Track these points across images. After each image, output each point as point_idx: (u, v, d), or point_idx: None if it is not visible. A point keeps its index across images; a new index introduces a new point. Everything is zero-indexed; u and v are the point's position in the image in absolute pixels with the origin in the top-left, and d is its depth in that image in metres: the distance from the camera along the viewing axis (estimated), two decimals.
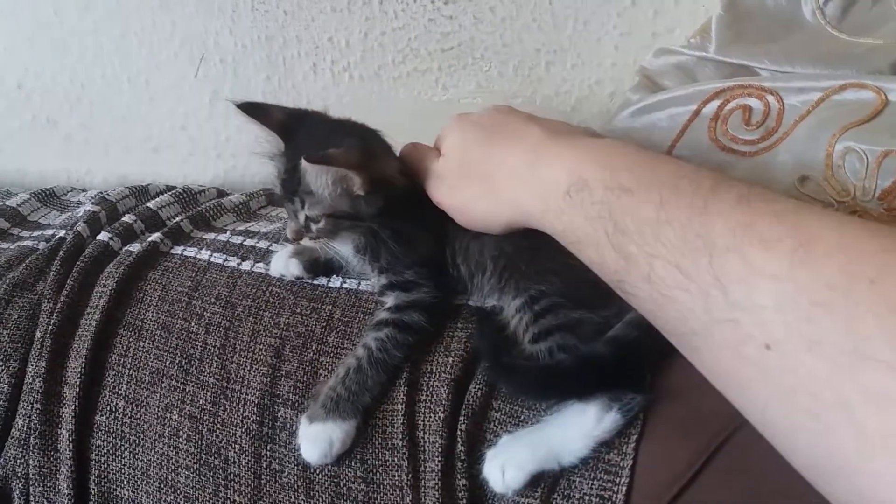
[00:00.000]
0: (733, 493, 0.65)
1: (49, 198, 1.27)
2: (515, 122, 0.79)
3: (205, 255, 0.98)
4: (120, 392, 0.88)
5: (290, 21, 1.36)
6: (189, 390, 0.86)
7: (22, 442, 0.87)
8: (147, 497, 0.85)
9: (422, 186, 0.83)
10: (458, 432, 0.76)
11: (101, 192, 1.20)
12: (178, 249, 1.01)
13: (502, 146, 0.76)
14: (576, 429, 0.71)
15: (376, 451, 0.78)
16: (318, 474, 0.79)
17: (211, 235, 1.05)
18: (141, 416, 0.87)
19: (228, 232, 1.05)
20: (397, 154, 0.87)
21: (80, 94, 1.47)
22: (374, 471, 0.78)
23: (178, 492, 0.83)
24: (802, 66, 0.88)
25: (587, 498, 0.71)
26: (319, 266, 0.92)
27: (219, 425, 0.83)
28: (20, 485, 0.87)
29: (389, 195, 0.81)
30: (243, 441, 0.82)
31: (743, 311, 0.48)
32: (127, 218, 1.07)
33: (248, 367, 0.85)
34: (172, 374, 0.87)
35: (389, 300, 0.84)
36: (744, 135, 0.86)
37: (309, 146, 0.79)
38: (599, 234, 0.61)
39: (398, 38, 1.35)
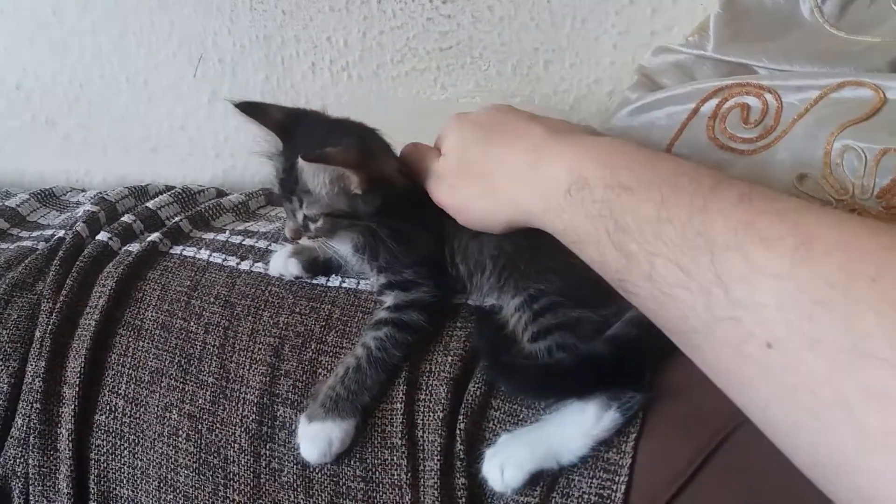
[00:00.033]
0: (733, 491, 0.65)
1: (48, 198, 1.27)
2: (515, 121, 0.79)
3: (204, 254, 0.98)
4: (119, 391, 0.88)
5: (289, 20, 1.36)
6: (188, 390, 0.86)
7: (21, 441, 0.87)
8: (146, 496, 0.85)
9: (421, 186, 0.83)
10: (458, 431, 0.76)
11: (101, 193, 1.20)
12: (177, 249, 1.01)
13: (501, 145, 0.76)
14: (575, 427, 0.71)
15: (375, 450, 0.78)
16: (317, 473, 0.79)
17: (210, 235, 1.05)
18: (140, 415, 0.87)
19: (227, 231, 1.06)
20: (396, 153, 0.87)
21: (78, 95, 1.47)
22: (374, 470, 0.78)
23: (178, 491, 0.83)
24: (801, 64, 0.87)
25: (586, 497, 0.71)
26: (318, 265, 0.92)
27: (218, 424, 0.83)
28: (20, 484, 0.87)
29: (388, 194, 0.81)
30: (242, 440, 0.82)
31: (744, 310, 0.48)
32: (126, 218, 1.07)
33: (248, 367, 0.85)
34: (172, 374, 0.87)
35: (388, 299, 0.84)
36: (742, 133, 0.86)
37: (307, 145, 0.79)
38: (600, 232, 0.61)
39: (396, 37, 1.35)
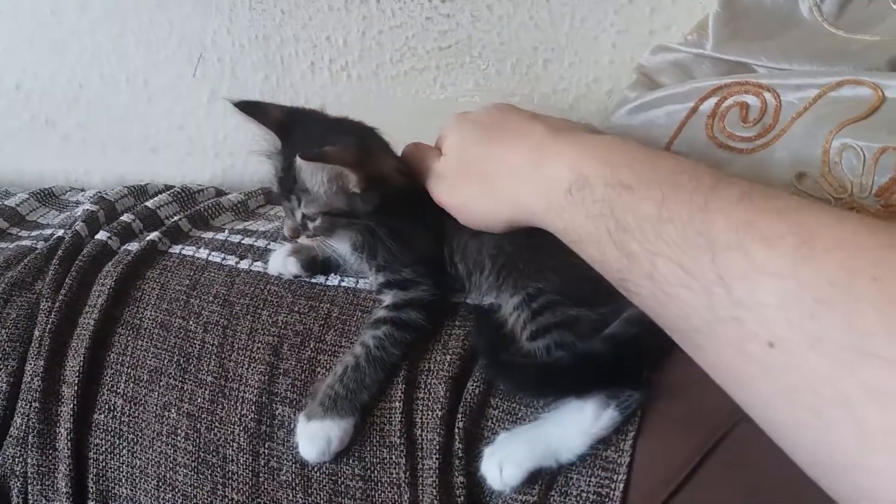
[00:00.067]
0: (731, 488, 0.66)
1: (47, 197, 1.27)
2: (516, 120, 0.79)
3: (203, 253, 0.99)
4: (118, 390, 0.88)
5: (288, 20, 1.36)
6: (187, 388, 0.86)
7: (20, 440, 0.87)
8: (145, 495, 0.85)
9: (420, 185, 0.83)
10: (456, 430, 0.76)
11: (100, 192, 1.20)
12: (176, 248, 1.01)
13: (502, 144, 0.76)
14: (573, 426, 0.71)
15: (374, 448, 0.78)
16: (316, 472, 0.79)
17: (209, 234, 1.05)
18: (139, 414, 0.87)
19: (227, 231, 1.06)
20: (396, 152, 0.87)
21: (77, 95, 1.47)
22: (372, 468, 0.78)
23: (177, 490, 0.83)
24: (799, 62, 0.87)
25: (585, 495, 0.71)
26: (317, 264, 0.92)
27: (217, 423, 0.83)
28: (18, 483, 0.87)
29: (386, 193, 0.81)
30: (241, 439, 0.82)
31: (746, 309, 0.48)
32: (125, 217, 1.07)
33: (247, 366, 0.85)
34: (171, 373, 0.87)
35: (387, 298, 0.84)
36: (741, 132, 0.86)
37: (305, 144, 0.79)
38: (601, 231, 0.61)
39: (396, 36, 1.35)
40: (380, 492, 0.77)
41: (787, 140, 0.82)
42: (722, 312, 0.50)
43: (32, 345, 0.90)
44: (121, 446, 0.86)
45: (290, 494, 0.80)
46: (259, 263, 0.95)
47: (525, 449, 0.72)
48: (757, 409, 0.51)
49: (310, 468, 0.79)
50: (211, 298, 0.91)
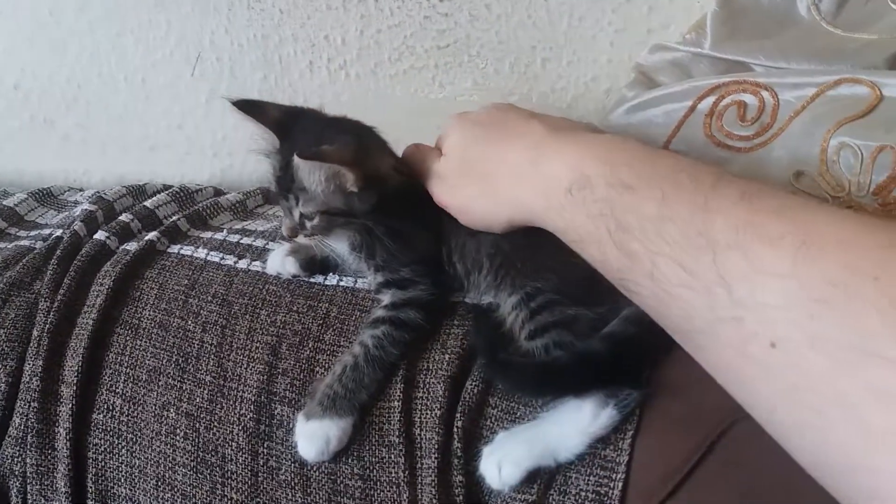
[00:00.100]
0: (730, 487, 0.66)
1: (46, 197, 1.27)
2: (516, 119, 0.79)
3: (201, 253, 0.98)
4: (117, 390, 0.88)
5: (286, 19, 1.36)
6: (186, 388, 0.86)
7: (19, 440, 0.87)
8: (144, 495, 0.85)
9: (418, 184, 0.83)
10: (455, 429, 0.76)
11: (98, 192, 1.20)
12: (174, 248, 1.01)
13: (502, 144, 0.76)
14: (572, 425, 0.71)
15: (373, 448, 0.78)
16: (315, 471, 0.79)
17: (208, 234, 1.05)
18: (138, 414, 0.87)
19: (225, 230, 1.06)
20: (394, 151, 0.87)
21: (76, 94, 1.47)
22: (371, 468, 0.78)
23: (176, 489, 0.84)
24: (797, 61, 0.87)
25: (583, 494, 0.71)
26: (316, 264, 0.92)
27: (216, 423, 0.83)
28: (17, 483, 0.87)
29: (384, 192, 0.81)
30: (240, 439, 0.82)
31: (747, 310, 0.48)
32: (124, 217, 1.07)
33: (245, 365, 0.85)
34: (169, 373, 0.87)
35: (386, 298, 0.84)
36: (739, 131, 0.86)
37: (304, 143, 0.79)
38: (601, 231, 0.61)
39: (394, 35, 1.35)
40: (379, 491, 0.77)
41: (784, 139, 0.82)
42: (723, 313, 0.50)
43: (31, 344, 0.90)
44: (120, 446, 0.86)
45: (289, 494, 0.80)
46: (257, 263, 0.95)
47: (524, 448, 0.72)
48: (759, 409, 0.51)
49: (309, 467, 0.79)
50: (209, 298, 0.91)
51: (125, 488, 0.86)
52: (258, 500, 0.81)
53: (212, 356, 0.86)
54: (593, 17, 1.29)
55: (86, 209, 1.10)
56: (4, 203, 1.19)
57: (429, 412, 0.78)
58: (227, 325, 0.88)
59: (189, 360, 0.87)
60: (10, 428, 0.88)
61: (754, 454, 0.63)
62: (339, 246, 0.86)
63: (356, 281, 0.90)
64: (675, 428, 0.70)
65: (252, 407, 0.83)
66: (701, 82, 0.93)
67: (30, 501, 0.87)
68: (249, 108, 0.83)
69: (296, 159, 0.76)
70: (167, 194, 1.17)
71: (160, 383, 0.87)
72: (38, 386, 0.87)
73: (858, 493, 0.45)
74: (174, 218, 1.09)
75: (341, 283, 0.90)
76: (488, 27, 1.32)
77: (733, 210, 0.52)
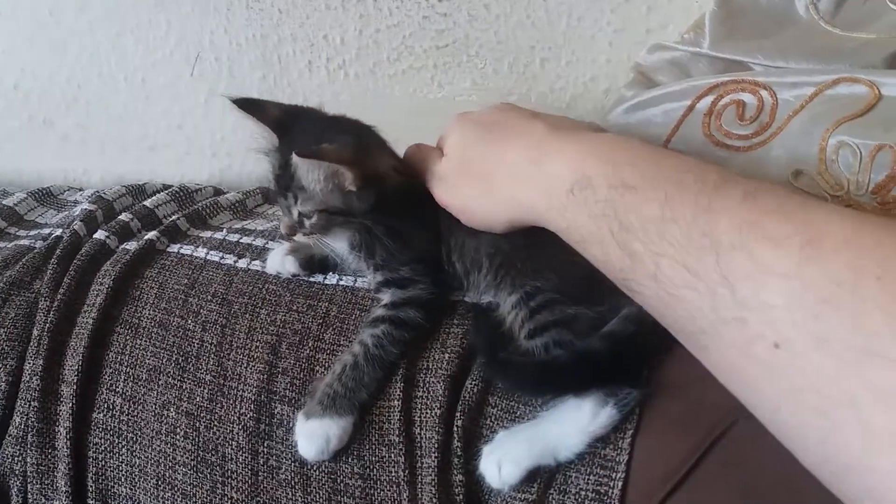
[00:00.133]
0: (729, 486, 0.65)
1: (46, 197, 1.27)
2: (517, 118, 0.79)
3: (201, 252, 0.99)
4: (117, 389, 0.88)
5: (285, 19, 1.36)
6: (186, 387, 0.86)
7: (20, 439, 0.87)
8: (144, 494, 0.85)
9: (417, 183, 0.83)
10: (455, 428, 0.76)
11: (98, 191, 1.21)
12: (174, 247, 1.01)
13: (502, 143, 0.76)
14: (572, 424, 0.71)
15: (373, 447, 0.78)
16: (315, 471, 0.79)
17: (207, 233, 1.05)
18: (138, 413, 0.87)
19: (225, 230, 1.06)
20: (393, 150, 0.87)
21: (76, 94, 1.47)
22: (371, 467, 0.78)
23: (176, 488, 0.84)
24: (796, 60, 0.87)
25: (583, 493, 0.71)
26: (315, 263, 0.92)
27: (216, 422, 0.83)
28: (18, 482, 0.87)
29: (383, 192, 0.81)
30: (240, 438, 0.82)
31: (751, 310, 0.48)
32: (123, 216, 1.08)
33: (245, 365, 0.85)
34: (169, 372, 0.87)
35: (385, 297, 0.84)
36: (738, 130, 0.86)
37: (303, 142, 0.79)
38: (604, 232, 0.61)
39: (393, 35, 1.35)
40: (379, 490, 0.77)
41: (783, 138, 0.82)
42: (727, 313, 0.50)
43: (31, 344, 0.90)
44: (120, 445, 0.86)
45: (290, 493, 0.80)
46: (257, 262, 0.95)
47: (524, 447, 0.72)
48: (762, 409, 0.51)
49: (309, 467, 0.79)
50: (209, 297, 0.91)
51: (125, 487, 0.86)
52: (258, 499, 0.81)
53: (212, 355, 0.86)
54: (592, 17, 1.29)
55: (85, 209, 1.10)
56: (4, 202, 1.19)
57: (429, 411, 0.78)
58: (226, 324, 0.88)
59: (189, 360, 0.87)
60: (11, 427, 0.88)
61: (754, 453, 0.63)
62: (338, 245, 0.86)
63: (356, 280, 0.90)
64: (674, 427, 0.70)
65: (252, 406, 0.83)
66: (699, 82, 0.93)
67: (30, 500, 0.87)
68: (249, 106, 0.83)
69: (294, 157, 0.76)
70: (167, 194, 1.17)
71: (160, 382, 0.87)
72: (38, 385, 0.87)
73: (861, 493, 0.45)
74: (174, 217, 1.09)
75: (341, 283, 0.91)
76: (487, 27, 1.33)
77: (737, 210, 0.52)
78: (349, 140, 0.80)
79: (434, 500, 0.75)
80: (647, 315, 0.61)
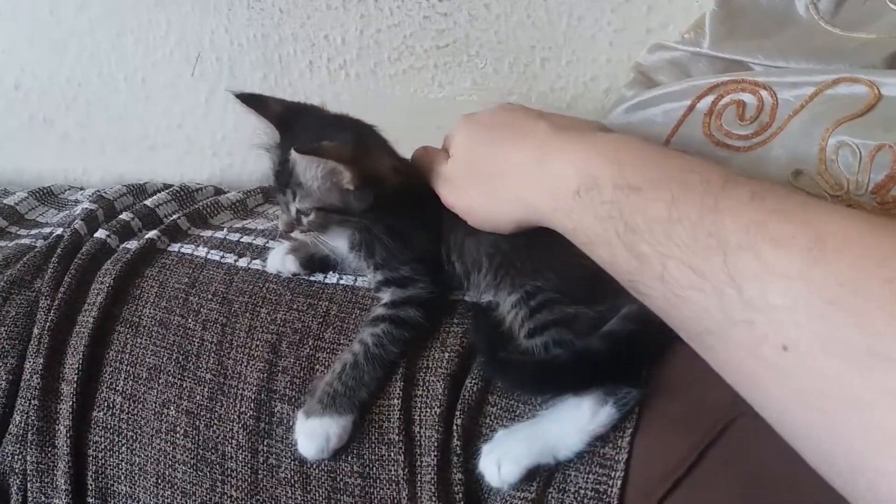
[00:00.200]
0: (729, 485, 0.65)
1: (46, 196, 1.27)
2: (523, 119, 0.78)
3: (202, 251, 0.99)
4: (117, 388, 0.88)
5: (286, 19, 1.36)
6: (186, 386, 0.86)
7: (20, 438, 0.87)
8: (144, 492, 0.85)
9: (417, 183, 0.84)
10: (454, 427, 0.77)
11: (99, 191, 1.21)
12: (175, 246, 1.01)
13: (508, 144, 0.76)
14: (571, 423, 0.71)
15: (373, 445, 0.78)
16: (314, 469, 0.79)
17: (208, 233, 1.05)
18: (138, 412, 0.87)
19: (225, 229, 1.06)
20: (394, 150, 0.87)
21: (76, 94, 1.47)
22: (371, 465, 0.78)
23: (176, 487, 0.84)
24: (796, 60, 0.87)
25: (582, 492, 0.71)
26: (316, 262, 0.92)
27: (216, 421, 0.84)
28: (18, 481, 0.87)
29: (381, 192, 0.81)
30: (240, 436, 0.82)
31: (758, 311, 0.48)
32: (124, 216, 1.08)
33: (245, 363, 0.85)
34: (169, 371, 0.87)
35: (385, 296, 0.84)
36: (738, 130, 0.86)
37: (304, 139, 0.79)
38: (610, 233, 0.61)
39: (393, 35, 1.36)
40: (378, 489, 0.78)
41: (783, 138, 0.82)
42: (734, 315, 0.50)
43: (32, 342, 0.90)
44: (120, 443, 0.87)
45: (289, 491, 0.80)
46: (258, 261, 0.95)
47: (523, 446, 0.72)
48: (769, 410, 0.51)
49: (308, 465, 0.79)
50: (210, 296, 0.91)
51: (125, 486, 0.86)
52: (258, 497, 0.81)
53: (212, 354, 0.86)
54: (592, 17, 1.29)
55: (86, 208, 1.10)
56: (5, 202, 1.19)
57: (428, 410, 0.78)
58: (227, 323, 0.88)
59: (189, 358, 0.87)
60: (11, 425, 0.88)
61: (755, 451, 0.63)
62: (336, 243, 0.87)
63: (356, 279, 0.90)
64: (674, 426, 0.70)
65: (252, 405, 0.83)
66: (700, 81, 0.93)
67: (30, 499, 0.87)
68: (252, 101, 0.83)
69: (293, 154, 0.76)
70: (167, 193, 1.17)
71: (160, 381, 0.87)
72: (38, 384, 0.87)
73: (867, 494, 0.45)
74: (174, 216, 1.10)
75: (341, 282, 0.91)
76: (487, 27, 1.33)
77: (743, 211, 0.52)
78: (349, 138, 0.80)
79: (433, 499, 0.75)
80: (647, 315, 0.61)
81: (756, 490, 0.64)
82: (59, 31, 1.43)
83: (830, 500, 0.48)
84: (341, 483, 0.78)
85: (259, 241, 1.00)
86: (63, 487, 0.85)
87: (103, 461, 0.87)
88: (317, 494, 0.79)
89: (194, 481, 0.83)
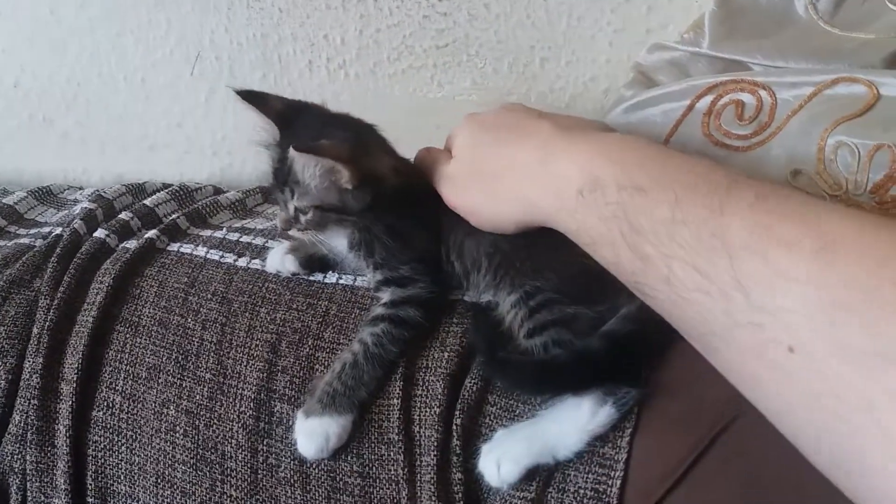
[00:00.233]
0: (728, 485, 0.66)
1: (46, 196, 1.27)
2: (525, 119, 0.78)
3: (201, 251, 0.99)
4: (117, 388, 0.88)
5: (286, 18, 1.36)
6: (186, 386, 0.86)
7: (19, 438, 0.87)
8: (144, 492, 0.85)
9: (418, 183, 0.84)
10: (454, 427, 0.77)
11: (98, 190, 1.21)
12: (174, 246, 1.01)
13: (510, 144, 0.76)
14: (571, 423, 0.71)
15: (372, 445, 0.78)
16: (314, 469, 0.79)
17: (207, 232, 1.05)
18: (138, 411, 0.87)
19: (225, 229, 1.06)
20: (395, 152, 0.88)
21: (76, 93, 1.48)
22: (371, 465, 0.78)
23: (175, 487, 0.84)
24: (795, 60, 0.87)
25: (582, 492, 0.71)
26: (315, 262, 0.92)
27: (215, 420, 0.84)
28: (17, 480, 0.87)
29: (380, 192, 0.81)
30: (240, 436, 0.82)
31: (766, 314, 0.48)
32: (123, 215, 1.08)
33: (245, 363, 0.85)
34: (169, 370, 0.87)
35: (385, 296, 0.84)
36: (737, 130, 0.86)
37: (303, 137, 0.79)
38: (614, 234, 0.61)
39: (393, 35, 1.36)
40: (378, 488, 0.78)
41: (782, 138, 0.82)
42: (741, 317, 0.50)
43: (31, 342, 0.90)
44: (119, 443, 0.87)
45: (289, 491, 0.80)
46: (257, 261, 0.95)
47: (522, 446, 0.72)
48: (775, 412, 0.51)
49: (308, 465, 0.79)
50: (209, 296, 0.91)
51: (125, 485, 0.86)
52: (257, 497, 0.81)
53: (211, 354, 0.86)
54: (592, 17, 1.30)
55: (85, 207, 1.10)
56: (4, 201, 1.19)
57: (428, 410, 0.78)
58: (226, 322, 0.88)
59: (189, 358, 0.87)
60: (10, 425, 0.88)
61: (755, 449, 0.63)
62: (335, 242, 0.87)
63: (355, 279, 0.90)
64: (673, 426, 0.70)
65: (252, 404, 0.83)
66: (699, 81, 0.93)
67: (29, 498, 0.87)
68: (253, 97, 0.83)
69: (292, 151, 0.76)
70: (167, 193, 1.17)
71: (160, 381, 0.87)
72: (37, 383, 0.87)
73: (876, 497, 0.45)
74: (174, 216, 1.10)
75: (341, 281, 0.91)
76: (487, 27, 1.33)
77: (749, 213, 0.52)
78: (348, 138, 0.80)
79: (433, 499, 0.75)
80: (646, 315, 0.62)
81: (756, 490, 0.64)
82: (59, 30, 1.43)
83: (830, 499, 0.48)
84: (341, 483, 0.79)
85: (258, 241, 1.00)
86: (62, 487, 0.85)
87: (103, 461, 0.87)
88: (316, 494, 0.79)
89: (194, 481, 0.83)
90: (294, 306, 0.88)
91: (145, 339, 0.89)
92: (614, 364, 0.72)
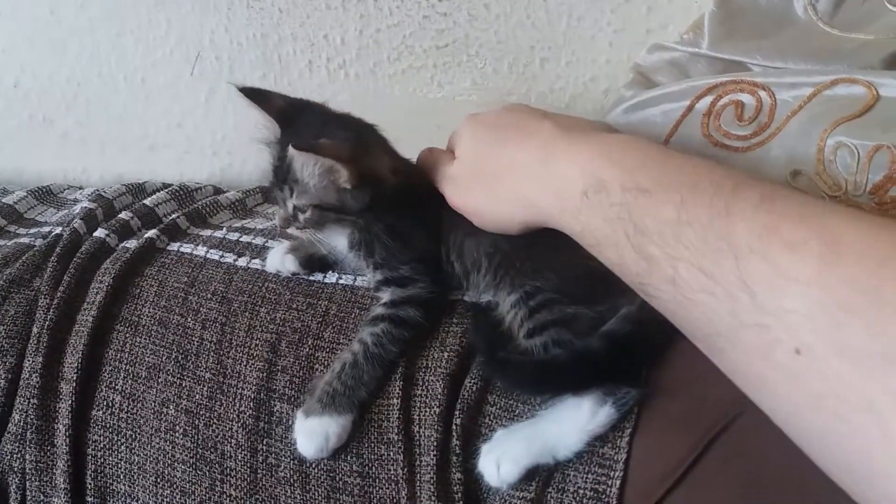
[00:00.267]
0: (728, 485, 0.66)
1: (46, 195, 1.27)
2: (527, 119, 0.78)
3: (201, 251, 0.99)
4: (116, 387, 0.88)
5: (286, 18, 1.36)
6: (185, 385, 0.86)
7: (18, 437, 0.87)
8: (143, 491, 0.85)
9: (418, 183, 0.84)
10: (454, 427, 0.77)
11: (98, 190, 1.21)
12: (174, 246, 1.01)
13: (512, 144, 0.76)
14: (570, 423, 0.71)
15: (372, 445, 0.78)
16: (314, 468, 0.79)
17: (207, 232, 1.05)
18: (137, 411, 0.87)
19: (225, 228, 1.06)
20: (396, 152, 0.88)
21: (76, 93, 1.48)
22: (370, 465, 0.78)
23: (175, 486, 0.84)
24: (794, 61, 0.88)
25: (581, 492, 0.71)
26: (315, 262, 0.92)
27: (215, 420, 0.84)
28: (17, 480, 0.87)
29: (379, 192, 0.81)
30: (239, 436, 0.82)
31: (771, 316, 0.48)
32: (123, 215, 1.08)
33: (245, 363, 0.85)
34: (169, 370, 0.87)
35: (385, 296, 0.84)
36: (736, 130, 0.86)
37: (304, 135, 0.79)
38: (619, 235, 0.60)
39: (393, 35, 1.36)
40: (378, 488, 0.78)
41: (782, 138, 0.82)
42: (746, 318, 0.50)
43: (31, 341, 0.90)
44: (119, 443, 0.87)
45: (288, 491, 0.80)
46: (257, 261, 0.95)
47: (522, 446, 0.72)
48: (780, 413, 0.51)
49: (308, 465, 0.79)
50: (209, 296, 0.91)
51: (124, 485, 0.86)
52: (257, 496, 0.81)
53: (211, 353, 0.86)
54: (592, 18, 1.30)
55: (85, 207, 1.10)
56: (4, 201, 1.19)
57: (428, 410, 0.78)
58: (226, 322, 0.88)
59: (188, 357, 0.87)
60: (10, 424, 0.88)
61: (754, 451, 0.63)
62: (334, 242, 0.87)
63: (355, 279, 0.90)
64: (673, 426, 0.70)
65: (251, 404, 0.83)
66: (698, 82, 0.93)
67: (29, 498, 0.87)
68: (255, 95, 0.83)
69: (291, 150, 0.76)
70: (167, 192, 1.17)
71: (160, 380, 0.87)
72: (37, 382, 0.87)
73: (881, 498, 0.45)
74: (174, 216, 1.10)
75: (340, 281, 0.91)
76: (487, 27, 1.33)
77: (755, 214, 0.52)
78: (349, 137, 0.80)
79: (433, 499, 0.75)
80: (646, 315, 0.62)
81: (756, 490, 0.64)
82: (59, 30, 1.43)
83: (831, 499, 0.48)
84: (340, 483, 0.79)
85: (258, 241, 1.00)
86: (62, 486, 0.85)
87: (102, 460, 0.87)
88: (316, 494, 0.79)
89: (193, 480, 0.83)
90: (294, 306, 0.88)
91: (145, 339, 0.89)
92: (614, 364, 0.72)
